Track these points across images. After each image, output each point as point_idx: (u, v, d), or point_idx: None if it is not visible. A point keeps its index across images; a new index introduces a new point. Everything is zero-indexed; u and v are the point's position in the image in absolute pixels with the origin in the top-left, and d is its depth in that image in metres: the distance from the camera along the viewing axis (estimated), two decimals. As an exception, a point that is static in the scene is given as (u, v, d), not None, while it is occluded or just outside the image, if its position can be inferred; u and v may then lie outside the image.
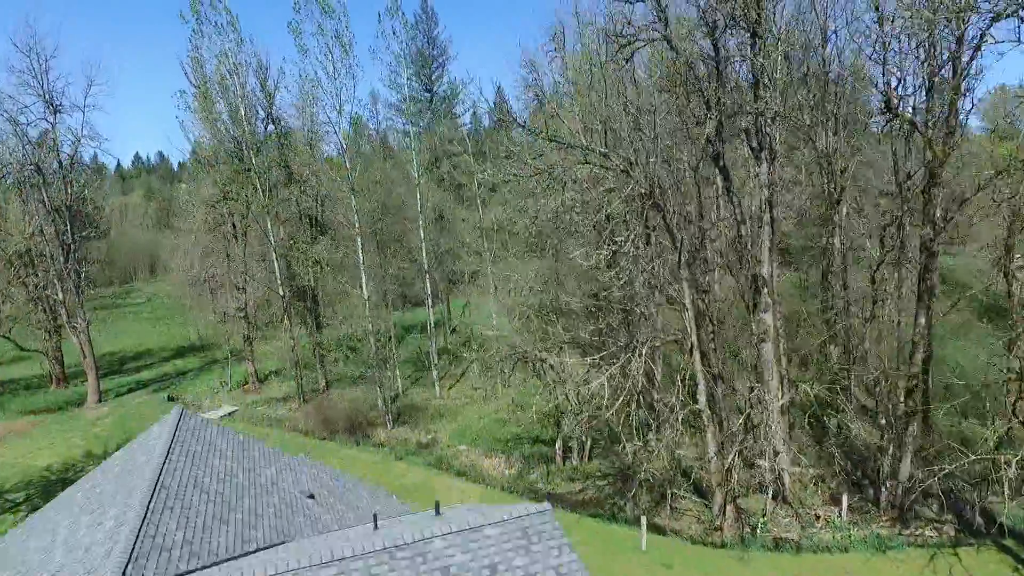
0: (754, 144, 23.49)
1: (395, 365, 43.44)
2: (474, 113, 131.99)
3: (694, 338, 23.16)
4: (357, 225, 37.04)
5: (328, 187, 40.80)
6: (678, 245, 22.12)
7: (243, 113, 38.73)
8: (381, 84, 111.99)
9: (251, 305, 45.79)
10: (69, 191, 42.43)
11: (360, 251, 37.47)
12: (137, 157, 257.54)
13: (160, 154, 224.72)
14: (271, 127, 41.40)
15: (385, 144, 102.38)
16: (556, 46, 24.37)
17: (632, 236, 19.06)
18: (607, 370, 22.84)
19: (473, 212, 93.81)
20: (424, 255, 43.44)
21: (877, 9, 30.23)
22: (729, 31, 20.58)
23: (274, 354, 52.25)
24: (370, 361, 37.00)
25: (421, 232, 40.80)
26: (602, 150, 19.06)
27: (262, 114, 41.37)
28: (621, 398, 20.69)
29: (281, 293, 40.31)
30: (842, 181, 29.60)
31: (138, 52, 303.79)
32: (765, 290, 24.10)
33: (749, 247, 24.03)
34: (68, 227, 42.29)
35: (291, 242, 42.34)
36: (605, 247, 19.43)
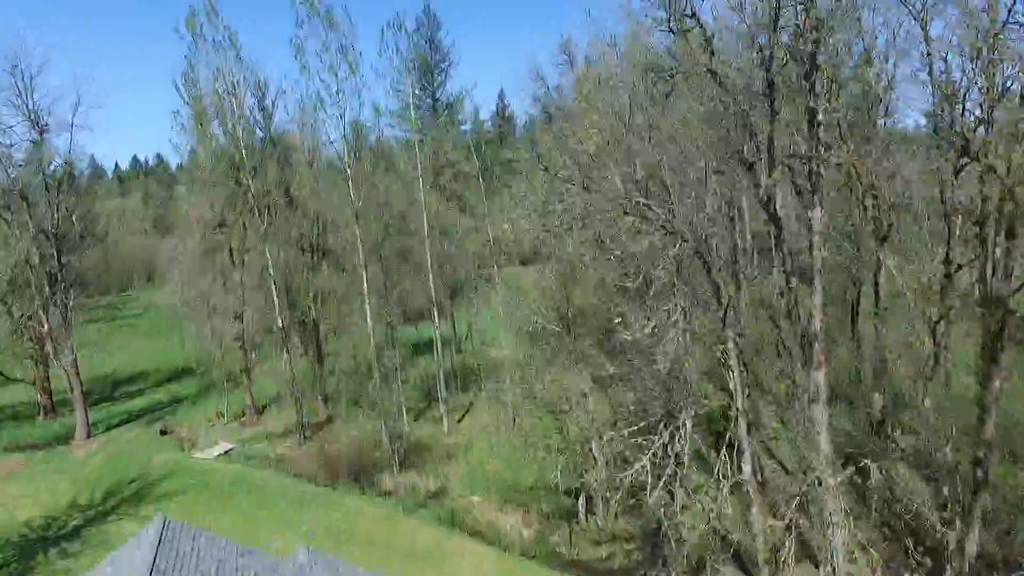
0: (803, 184, 21.16)
1: (401, 401, 41.15)
2: (476, 118, 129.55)
3: (740, 403, 20.86)
4: (362, 256, 34.70)
5: (329, 207, 38.49)
6: (724, 302, 19.81)
7: (240, 134, 36.38)
8: (384, 95, 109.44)
9: (248, 334, 43.46)
10: (56, 215, 40.07)
11: (364, 283, 35.14)
12: (135, 159, 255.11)
13: (159, 156, 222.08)
14: (270, 148, 39.07)
15: (387, 153, 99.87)
16: (581, 78, 22.09)
17: (680, 306, 16.76)
18: (639, 436, 20.56)
19: (477, 219, 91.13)
20: (432, 283, 41.00)
21: (924, 28, 28.08)
22: (784, 63, 18.26)
23: (273, 376, 49.97)
24: (376, 402, 34.71)
25: (428, 259, 38.45)
26: (643, 201, 16.77)
27: (260, 134, 39.08)
28: (663, 479, 18.39)
29: (280, 324, 37.96)
30: (888, 217, 27.29)
31: (138, 52, 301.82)
32: (816, 346, 21.78)
33: (798, 299, 21.73)
34: (55, 252, 39.95)
35: (292, 270, 40.06)
36: (648, 317, 17.16)
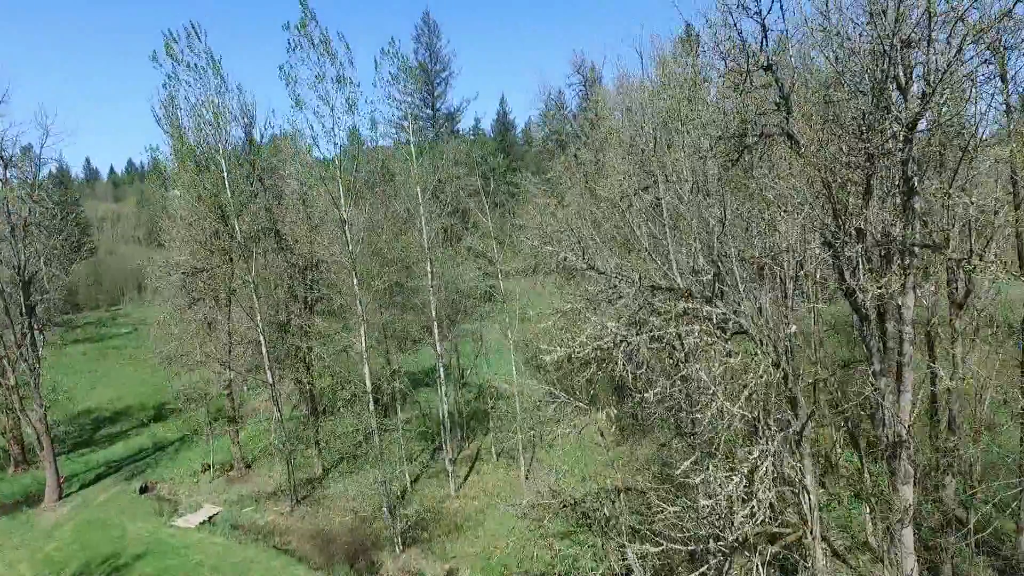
0: (897, 269, 17.61)
1: (403, 457, 37.58)
2: (477, 127, 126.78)
3: (817, 530, 17.25)
4: (361, 311, 31.08)
5: (322, 227, 34.88)
6: (802, 418, 16.24)
7: (224, 170, 32.73)
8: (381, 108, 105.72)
9: (236, 383, 39.88)
10: (22, 257, 36.37)
11: (363, 343, 31.51)
12: (130, 163, 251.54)
13: (154, 160, 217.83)
14: (257, 184, 35.41)
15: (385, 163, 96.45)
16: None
17: (768, 454, 13.10)
18: None
19: (480, 240, 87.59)
20: (437, 342, 37.15)
21: (1002, 64, 24.67)
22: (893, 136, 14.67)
23: (264, 425, 46.43)
24: (376, 477, 31.13)
25: (433, 312, 34.81)
26: (723, 313, 13.18)
27: (246, 169, 35.43)
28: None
29: (269, 379, 34.33)
30: (967, 283, 23.81)
31: (131, 52, 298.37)
32: (904, 456, 18.24)
33: (884, 400, 18.17)
34: (21, 300, 36.25)
35: (282, 317, 36.43)
36: (736, 468, 13.50)
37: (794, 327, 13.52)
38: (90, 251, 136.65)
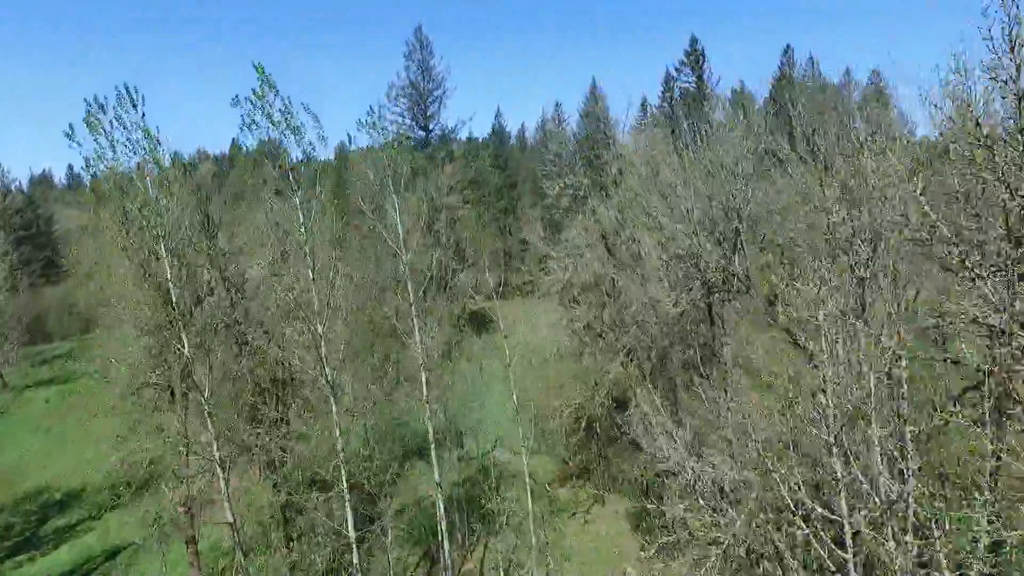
0: None
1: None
2: (471, 142, 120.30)
3: None
4: (341, 452, 24.75)
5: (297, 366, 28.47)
6: None
7: (168, 270, 26.23)
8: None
9: (193, 498, 33.49)
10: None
11: (344, 483, 25.19)
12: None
13: (138, 166, 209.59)
14: (216, 273, 28.96)
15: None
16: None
17: None
18: None
19: (477, 271, 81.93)
20: (431, 433, 30.91)
21: None
22: None
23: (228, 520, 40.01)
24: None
25: (428, 408, 28.51)
26: None
27: (202, 258, 28.99)
28: None
29: (229, 518, 27.94)
30: None
31: (119, 51, 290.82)
32: None
33: None
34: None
35: (249, 421, 30.10)
36: None
37: None
38: (65, 272, 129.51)
